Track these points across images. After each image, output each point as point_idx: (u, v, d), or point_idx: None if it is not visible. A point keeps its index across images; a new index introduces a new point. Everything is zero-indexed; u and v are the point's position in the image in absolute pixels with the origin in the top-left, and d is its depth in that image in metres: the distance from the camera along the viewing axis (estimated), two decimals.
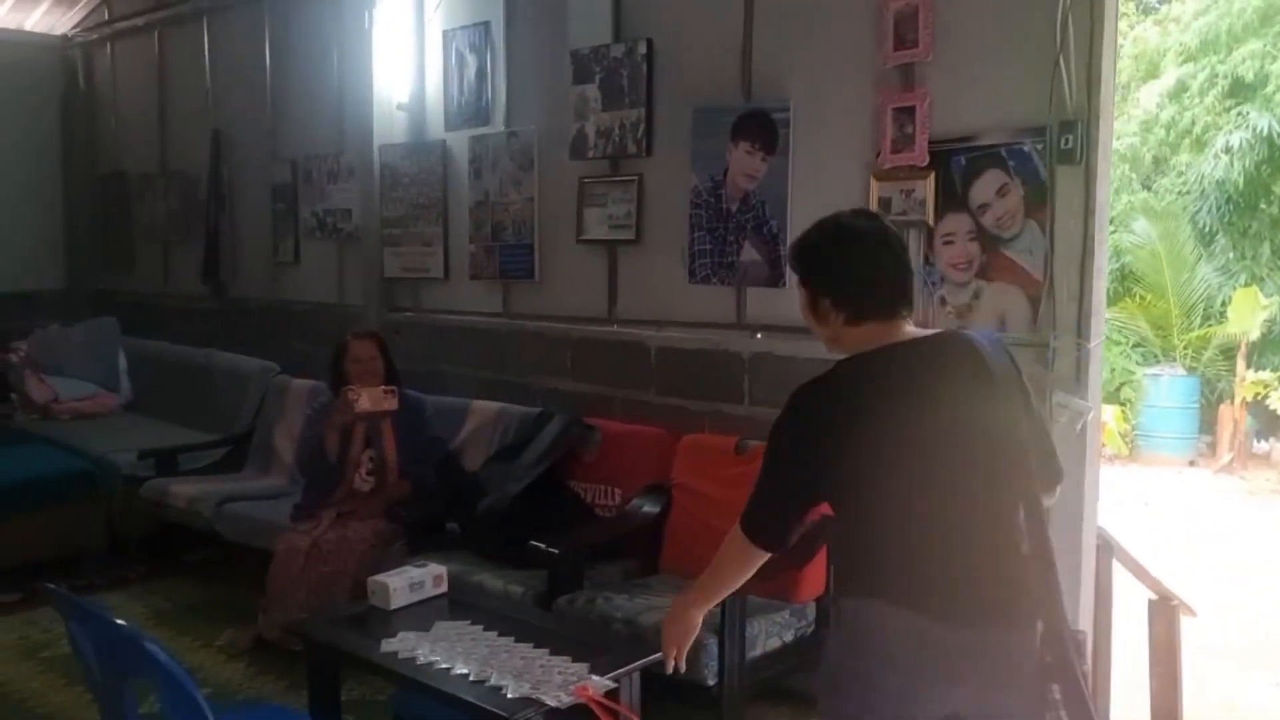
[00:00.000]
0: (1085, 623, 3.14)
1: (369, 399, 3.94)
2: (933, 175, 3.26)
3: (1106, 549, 3.18)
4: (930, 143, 3.26)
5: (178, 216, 6.38)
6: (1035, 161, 3.06)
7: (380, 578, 3.04)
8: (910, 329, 1.92)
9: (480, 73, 4.58)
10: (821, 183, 3.54)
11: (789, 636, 3.18)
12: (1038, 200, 3.07)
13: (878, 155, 3.38)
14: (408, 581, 3.01)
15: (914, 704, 1.80)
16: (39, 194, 7.01)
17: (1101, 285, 3.05)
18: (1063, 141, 2.97)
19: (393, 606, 2.96)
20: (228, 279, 6.07)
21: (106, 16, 6.85)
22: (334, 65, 5.24)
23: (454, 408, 4.47)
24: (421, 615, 2.98)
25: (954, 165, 3.24)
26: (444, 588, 3.10)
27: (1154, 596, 3.19)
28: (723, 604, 2.85)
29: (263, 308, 5.87)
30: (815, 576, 3.25)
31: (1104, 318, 3.11)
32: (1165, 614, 3.18)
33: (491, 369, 4.66)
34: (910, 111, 3.30)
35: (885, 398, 1.84)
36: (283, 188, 5.62)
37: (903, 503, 1.83)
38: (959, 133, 3.22)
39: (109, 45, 6.94)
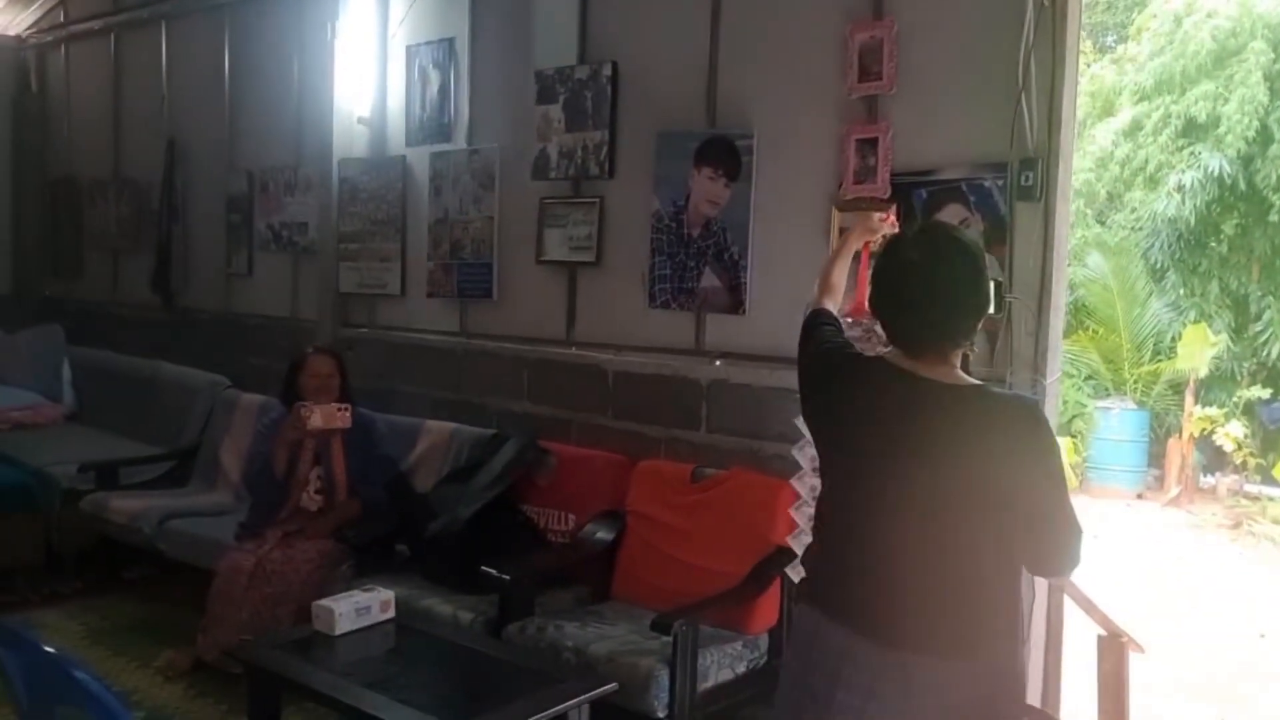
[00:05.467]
0: (1036, 657, 3.15)
1: (322, 416, 3.87)
2: (894, 207, 3.27)
3: (1058, 584, 3.18)
4: (892, 175, 3.28)
5: (129, 224, 6.26)
6: (996, 197, 3.08)
7: (325, 602, 2.97)
8: (944, 371, 1.83)
9: (443, 89, 4.55)
10: (783, 211, 3.54)
11: (741, 668, 3.15)
12: (997, 235, 3.08)
13: (840, 185, 3.38)
14: (353, 606, 2.95)
15: (837, 712, 1.82)
16: None
17: (1059, 322, 3.06)
18: (1023, 178, 2.99)
19: (337, 632, 2.89)
20: (178, 289, 5.95)
21: (62, 18, 6.73)
22: (294, 76, 5.17)
23: (407, 427, 4.39)
24: (367, 641, 2.92)
25: (915, 198, 3.25)
26: (391, 613, 3.04)
27: (1103, 632, 3.20)
28: (674, 635, 2.83)
29: (213, 320, 5.76)
30: (768, 608, 3.22)
31: (1061, 354, 3.13)
32: (1114, 650, 3.17)
33: (447, 388, 4.59)
34: (873, 143, 3.31)
35: (867, 409, 1.87)
36: (238, 198, 5.52)
37: (842, 519, 1.90)
38: (921, 166, 3.23)
39: (63, 48, 6.82)
